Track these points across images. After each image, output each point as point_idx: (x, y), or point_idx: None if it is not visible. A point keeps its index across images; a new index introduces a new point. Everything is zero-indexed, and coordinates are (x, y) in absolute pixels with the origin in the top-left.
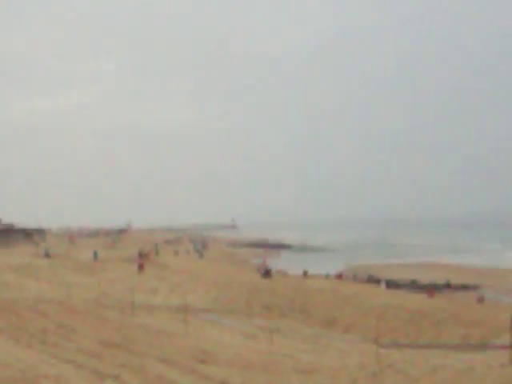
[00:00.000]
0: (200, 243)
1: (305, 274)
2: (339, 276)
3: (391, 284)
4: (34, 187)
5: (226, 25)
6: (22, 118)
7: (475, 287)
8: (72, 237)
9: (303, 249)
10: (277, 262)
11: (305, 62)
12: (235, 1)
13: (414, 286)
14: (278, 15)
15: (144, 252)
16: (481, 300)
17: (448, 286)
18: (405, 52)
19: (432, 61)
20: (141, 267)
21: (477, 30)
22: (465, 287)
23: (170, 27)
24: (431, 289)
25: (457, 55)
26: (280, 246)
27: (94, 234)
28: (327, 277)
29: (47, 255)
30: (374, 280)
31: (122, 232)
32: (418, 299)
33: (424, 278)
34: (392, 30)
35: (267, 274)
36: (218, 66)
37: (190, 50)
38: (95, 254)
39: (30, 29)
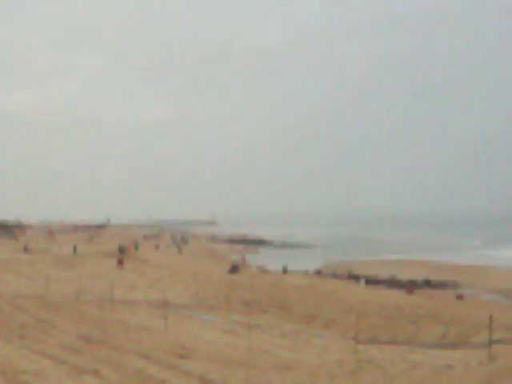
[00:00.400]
0: (180, 238)
1: (284, 270)
2: (318, 272)
3: (371, 281)
4: (13, 182)
5: (214, 20)
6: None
7: (454, 284)
8: (51, 232)
9: (283, 245)
10: (256, 258)
11: (297, 55)
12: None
13: (394, 282)
14: (268, 10)
15: (123, 247)
16: (460, 297)
17: (427, 283)
18: (396, 49)
19: (424, 56)
20: (120, 262)
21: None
22: (444, 284)
23: (161, 24)
24: (410, 286)
25: (451, 49)
26: (260, 242)
27: (74, 228)
28: (307, 273)
29: (26, 250)
30: (353, 276)
31: (101, 227)
32: (397, 296)
33: (403, 275)
34: (382, 27)
35: (234, 269)
36: (206, 61)
37: (180, 47)
38: (74, 248)
39: (13, 23)
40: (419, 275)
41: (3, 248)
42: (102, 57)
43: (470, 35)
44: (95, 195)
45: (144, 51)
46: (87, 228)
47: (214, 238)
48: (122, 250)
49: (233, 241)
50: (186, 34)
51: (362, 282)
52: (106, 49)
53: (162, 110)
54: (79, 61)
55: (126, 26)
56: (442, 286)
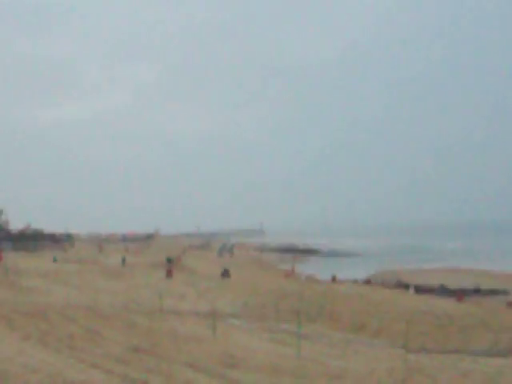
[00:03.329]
0: (228, 248)
1: (333, 279)
2: (368, 281)
3: (420, 289)
4: (63, 193)
5: (260, 36)
6: (51, 125)
7: (505, 292)
8: (100, 242)
9: (332, 254)
10: (305, 267)
11: (344, 69)
12: (267, 14)
13: (443, 291)
14: (312, 27)
15: (172, 257)
16: (510, 305)
17: (477, 291)
18: (456, 54)
19: (474, 67)
20: (169, 273)
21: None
22: (494, 292)
23: (211, 38)
24: (460, 294)
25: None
26: (309, 251)
27: (123, 239)
28: (356, 282)
29: (55, 261)
30: (402, 285)
31: (150, 238)
32: (447, 304)
33: (453, 283)
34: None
35: (225, 273)
36: (255, 76)
37: (228, 60)
38: (123, 259)
39: (66, 36)
40: (469, 283)
41: (52, 258)
42: (157, 68)
43: None
44: (144, 206)
45: (198, 63)
46: (136, 239)
47: (262, 248)
48: (170, 261)
49: (281, 250)
50: (242, 47)
51: (412, 290)
52: (162, 60)
53: (210, 121)
54: (135, 73)
55: (183, 38)
56: (492, 293)
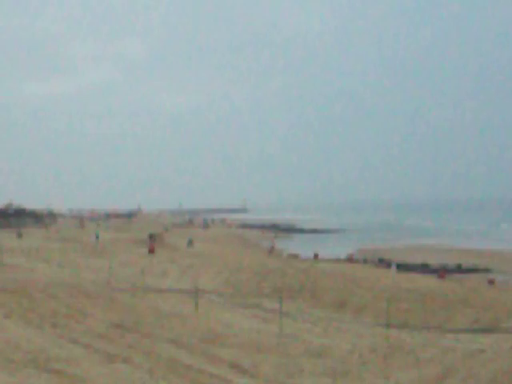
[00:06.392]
0: (206, 223)
1: (315, 256)
2: (350, 259)
3: (402, 267)
4: (44, 171)
5: (254, 11)
6: (37, 101)
7: (486, 270)
8: (82, 220)
9: (315, 231)
10: (288, 244)
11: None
12: None
13: (425, 269)
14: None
15: (154, 235)
16: (491, 282)
17: (459, 268)
18: (442, 36)
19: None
20: (151, 250)
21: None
22: (476, 270)
23: (204, 13)
24: (442, 271)
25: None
26: (291, 229)
27: (105, 217)
28: (338, 259)
29: (20, 235)
30: (384, 263)
31: (132, 215)
32: (429, 282)
33: (435, 261)
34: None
35: (190, 243)
36: (248, 50)
37: (215, 34)
38: (97, 235)
39: (57, 11)
40: (451, 261)
41: (34, 236)
42: (148, 44)
43: None
44: (126, 183)
45: (185, 38)
46: (118, 216)
47: (244, 225)
48: (152, 238)
49: (264, 227)
50: (227, 22)
51: (394, 267)
52: (149, 35)
53: (196, 97)
54: (120, 47)
55: (175, 13)
56: (473, 271)
